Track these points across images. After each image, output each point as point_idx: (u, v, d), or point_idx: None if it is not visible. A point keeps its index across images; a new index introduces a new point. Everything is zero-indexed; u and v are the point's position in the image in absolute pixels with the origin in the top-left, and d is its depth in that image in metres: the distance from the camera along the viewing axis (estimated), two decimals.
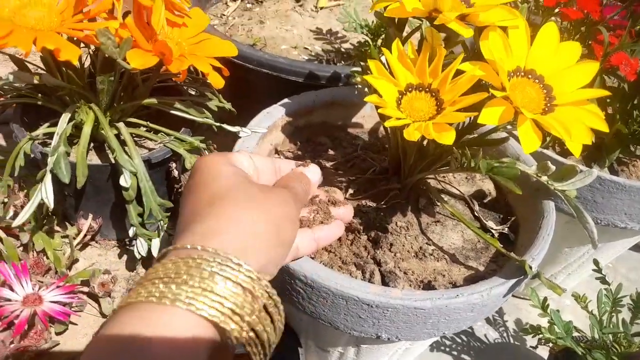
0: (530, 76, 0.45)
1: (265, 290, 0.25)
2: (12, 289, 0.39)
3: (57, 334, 0.41)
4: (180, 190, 0.52)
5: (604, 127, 0.42)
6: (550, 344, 0.67)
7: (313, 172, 0.38)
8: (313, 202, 0.38)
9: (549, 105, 0.44)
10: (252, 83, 0.79)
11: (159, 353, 0.21)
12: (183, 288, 0.22)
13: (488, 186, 0.65)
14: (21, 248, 0.45)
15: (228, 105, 0.50)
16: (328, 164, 0.65)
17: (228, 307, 0.23)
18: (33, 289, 0.40)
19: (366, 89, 0.70)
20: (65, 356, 0.43)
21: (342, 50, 0.88)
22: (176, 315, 0.22)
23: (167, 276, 0.23)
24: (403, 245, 0.55)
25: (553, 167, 0.50)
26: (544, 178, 0.51)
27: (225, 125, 0.48)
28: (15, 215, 0.42)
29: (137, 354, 0.21)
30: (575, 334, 0.65)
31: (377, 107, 0.53)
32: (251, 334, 0.24)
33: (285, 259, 0.30)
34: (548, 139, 0.67)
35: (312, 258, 0.52)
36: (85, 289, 0.42)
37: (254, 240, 0.27)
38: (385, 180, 0.59)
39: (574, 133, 0.40)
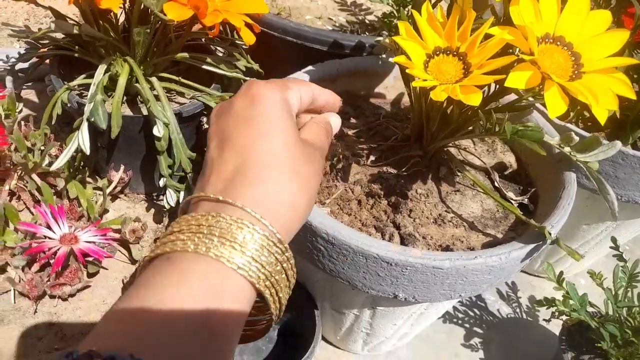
0: (559, 43, 0.45)
1: (282, 250, 0.26)
2: (50, 228, 0.41)
3: (90, 275, 0.43)
4: None
5: (631, 94, 0.42)
6: (564, 318, 0.68)
7: (336, 123, 0.38)
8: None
9: (576, 72, 0.44)
10: (276, 51, 0.79)
11: (197, 298, 0.23)
12: (215, 242, 0.24)
13: (509, 158, 0.66)
14: (55, 196, 0.47)
15: (256, 66, 0.51)
16: (350, 132, 0.66)
17: (254, 262, 0.25)
18: (69, 230, 0.41)
19: (390, 58, 0.70)
20: (96, 301, 0.45)
21: (367, 21, 0.88)
22: (210, 265, 0.24)
23: (199, 232, 0.25)
24: (422, 212, 0.56)
25: (577, 138, 0.50)
26: (567, 149, 0.52)
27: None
28: (51, 164, 0.44)
29: (176, 298, 0.23)
30: (589, 309, 0.66)
31: (403, 69, 0.53)
32: (267, 283, 0.25)
33: (306, 218, 0.31)
34: (572, 114, 0.67)
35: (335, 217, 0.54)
36: (117, 236, 0.44)
37: (287, 212, 0.27)
38: (407, 148, 0.60)
39: (601, 99, 0.41)
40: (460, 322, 0.84)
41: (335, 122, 0.38)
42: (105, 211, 0.50)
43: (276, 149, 0.28)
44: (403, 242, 0.53)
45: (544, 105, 0.41)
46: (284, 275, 0.27)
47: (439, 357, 0.79)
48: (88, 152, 0.42)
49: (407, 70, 0.43)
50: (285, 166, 0.28)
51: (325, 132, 0.36)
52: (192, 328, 0.22)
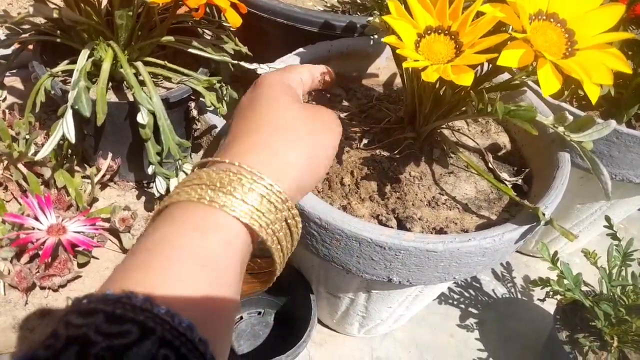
0: (552, 20, 0.44)
1: (289, 209, 0.29)
2: (37, 219, 0.40)
3: (80, 265, 0.43)
4: (197, 130, 0.52)
5: (626, 69, 0.41)
6: (558, 297, 0.68)
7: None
8: None
9: (570, 49, 0.44)
10: (266, 33, 0.78)
11: (201, 244, 0.25)
12: (229, 197, 0.26)
13: (503, 139, 0.65)
14: (43, 186, 0.47)
15: (244, 49, 0.50)
16: (342, 115, 0.65)
17: (263, 218, 0.27)
18: (57, 221, 0.41)
19: (382, 39, 0.69)
20: (87, 291, 0.44)
21: (358, 1, 0.86)
22: (213, 213, 0.26)
23: (212, 184, 0.27)
24: (416, 194, 0.55)
25: (570, 118, 0.50)
26: (561, 129, 0.51)
27: (242, 63, 0.48)
28: (37, 153, 0.43)
29: (194, 242, 0.24)
30: (584, 288, 0.66)
31: (394, 50, 0.52)
32: (269, 230, 0.28)
33: (312, 188, 0.34)
34: (566, 93, 0.67)
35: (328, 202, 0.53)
36: (106, 225, 0.43)
37: (287, 167, 0.30)
38: (400, 130, 0.59)
39: (594, 75, 0.40)
40: (455, 303, 0.85)
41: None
42: (95, 200, 0.49)
43: (273, 117, 0.31)
44: (398, 225, 0.53)
45: (537, 83, 0.40)
46: (284, 224, 0.29)
47: (435, 338, 0.80)
48: (73, 141, 0.41)
49: (397, 51, 0.42)
50: (287, 130, 0.31)
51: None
52: (198, 270, 0.24)
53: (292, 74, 0.37)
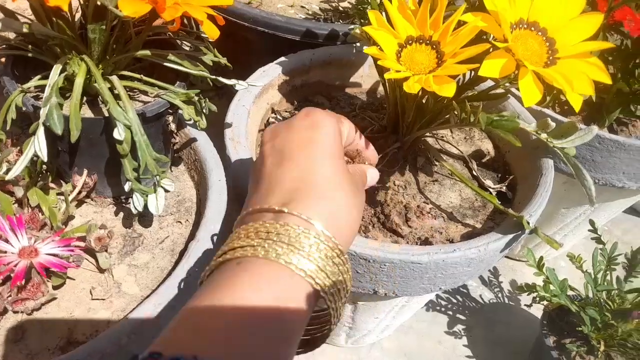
0: (533, 28, 0.44)
1: (344, 261, 0.28)
2: (7, 242, 0.39)
3: (55, 287, 0.41)
4: (176, 145, 0.51)
5: (606, 79, 0.41)
6: (545, 302, 0.68)
7: (373, 176, 0.41)
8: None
9: (551, 58, 0.44)
10: (247, 42, 0.77)
11: (267, 300, 0.25)
12: (285, 249, 0.26)
13: (487, 146, 0.65)
14: (16, 205, 0.45)
15: (223, 60, 0.49)
16: None
17: (320, 270, 0.27)
18: (29, 242, 0.39)
19: (364, 47, 0.68)
20: (62, 313, 0.43)
21: (340, 8, 0.86)
22: (280, 271, 0.26)
23: (268, 238, 0.27)
24: (401, 203, 0.55)
25: (553, 124, 0.50)
26: (544, 135, 0.51)
27: (220, 78, 0.47)
28: (9, 171, 0.41)
29: (248, 299, 0.24)
30: (570, 292, 0.66)
31: (376, 60, 0.52)
32: (331, 290, 0.27)
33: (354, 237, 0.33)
34: (548, 98, 0.67)
35: None
36: (82, 244, 0.42)
37: (342, 224, 0.30)
38: (384, 139, 0.59)
39: (575, 85, 0.40)
40: (443, 309, 0.84)
41: (372, 174, 0.40)
42: (71, 217, 0.48)
43: (335, 171, 0.31)
44: (384, 235, 0.52)
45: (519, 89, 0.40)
46: (344, 285, 0.28)
47: (423, 345, 0.79)
48: (45, 159, 0.40)
49: (379, 62, 0.42)
50: (344, 188, 0.31)
51: (363, 176, 0.38)
52: (262, 327, 0.24)
53: (344, 124, 0.36)
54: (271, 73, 0.65)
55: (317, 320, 0.31)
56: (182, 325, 0.24)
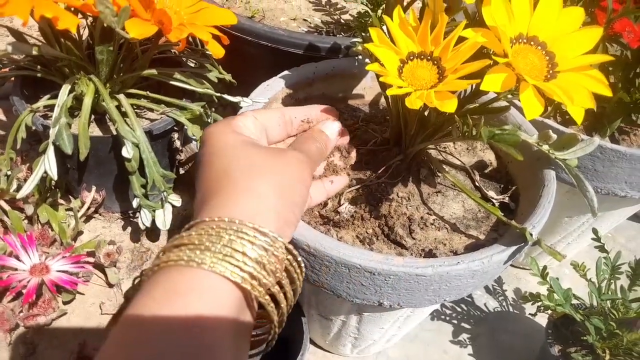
0: (532, 43, 0.45)
1: (283, 248, 0.27)
2: (19, 259, 0.39)
3: (65, 303, 0.42)
4: (182, 161, 0.52)
5: (607, 92, 0.41)
6: (549, 311, 0.68)
7: (331, 129, 0.39)
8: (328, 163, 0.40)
9: (551, 72, 0.44)
10: (250, 56, 0.78)
11: (192, 308, 0.23)
12: (206, 254, 0.25)
13: (489, 157, 0.65)
14: (26, 221, 0.46)
15: (228, 77, 0.50)
16: None
17: (247, 270, 0.25)
18: (40, 259, 0.40)
19: (367, 60, 0.69)
20: (73, 329, 0.43)
21: (342, 21, 0.87)
22: (205, 278, 0.24)
23: (191, 243, 0.25)
24: (404, 215, 0.55)
25: (554, 136, 0.50)
26: (545, 147, 0.51)
27: (225, 96, 0.48)
28: (19, 188, 0.42)
29: (174, 309, 0.23)
30: (574, 301, 0.66)
31: (378, 76, 0.52)
32: (267, 297, 0.26)
33: (299, 218, 0.32)
34: (549, 108, 0.67)
35: (314, 227, 0.53)
36: (91, 260, 0.43)
37: (263, 204, 0.28)
38: (387, 151, 0.59)
39: (576, 98, 0.40)
40: (448, 318, 0.84)
41: (329, 128, 0.39)
42: (80, 233, 0.49)
43: (227, 162, 0.30)
44: (389, 247, 0.53)
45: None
46: (284, 273, 0.27)
47: (428, 354, 0.79)
48: (55, 177, 0.41)
49: (381, 79, 0.43)
50: (243, 168, 0.29)
51: (311, 137, 0.37)
52: (191, 341, 0.23)
53: (238, 120, 0.34)
54: (275, 87, 0.66)
55: (260, 324, 0.30)
56: (108, 347, 0.24)
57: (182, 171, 0.53)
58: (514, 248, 0.48)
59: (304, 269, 0.29)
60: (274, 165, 0.31)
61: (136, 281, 0.27)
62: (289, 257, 0.27)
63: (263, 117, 0.36)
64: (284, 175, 0.30)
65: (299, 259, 0.28)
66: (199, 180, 0.31)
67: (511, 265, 0.94)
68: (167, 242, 0.27)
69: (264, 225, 0.27)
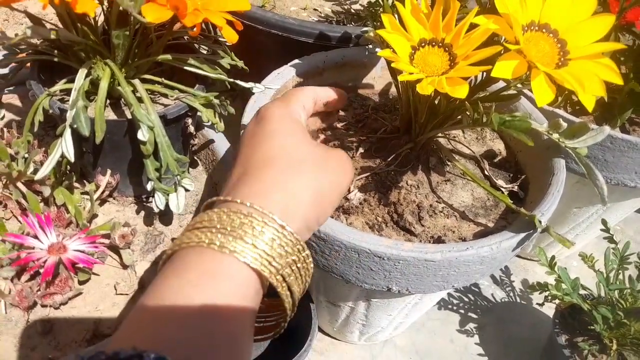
0: (544, 30, 0.45)
1: (300, 252, 0.28)
2: (37, 238, 0.40)
3: (81, 283, 0.43)
4: (195, 146, 0.53)
5: (618, 80, 0.42)
6: (557, 301, 0.69)
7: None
8: None
9: (562, 59, 0.44)
10: (261, 45, 0.79)
11: (210, 294, 0.24)
12: (239, 242, 0.26)
13: (498, 146, 0.66)
14: (42, 203, 0.47)
15: (240, 63, 0.50)
16: (339, 125, 0.66)
17: (268, 260, 0.26)
18: (57, 239, 0.41)
19: (377, 49, 0.69)
20: (88, 308, 0.44)
21: (352, 11, 0.87)
22: (224, 259, 0.25)
23: (223, 227, 0.26)
24: (414, 203, 0.56)
25: (565, 124, 0.50)
26: (555, 136, 0.51)
27: (238, 81, 0.48)
28: (36, 170, 0.43)
29: (199, 291, 0.24)
30: (582, 291, 0.66)
31: (389, 63, 0.53)
32: (284, 284, 0.27)
33: (322, 223, 0.33)
34: (560, 99, 0.67)
35: None
36: (106, 241, 0.43)
37: (298, 206, 0.29)
38: (396, 140, 0.60)
39: (587, 86, 0.40)
40: (455, 308, 0.85)
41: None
42: (94, 216, 0.50)
43: (283, 154, 0.31)
44: (398, 233, 0.53)
45: (532, 90, 0.41)
46: (295, 268, 0.28)
47: (435, 343, 0.80)
48: (72, 160, 0.41)
49: (392, 64, 0.43)
50: (292, 161, 0.30)
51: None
52: (205, 322, 0.23)
53: (295, 106, 0.36)
54: (286, 75, 0.66)
55: (273, 309, 0.31)
56: (128, 324, 0.24)
57: (195, 157, 0.54)
58: (522, 235, 0.49)
59: (312, 268, 0.30)
60: (320, 170, 0.31)
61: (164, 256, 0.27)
62: (304, 253, 0.29)
63: (307, 103, 0.37)
64: (324, 182, 0.31)
65: (309, 260, 0.29)
66: (243, 155, 0.31)
67: (519, 256, 0.95)
68: (192, 219, 0.28)
69: (291, 224, 0.28)
